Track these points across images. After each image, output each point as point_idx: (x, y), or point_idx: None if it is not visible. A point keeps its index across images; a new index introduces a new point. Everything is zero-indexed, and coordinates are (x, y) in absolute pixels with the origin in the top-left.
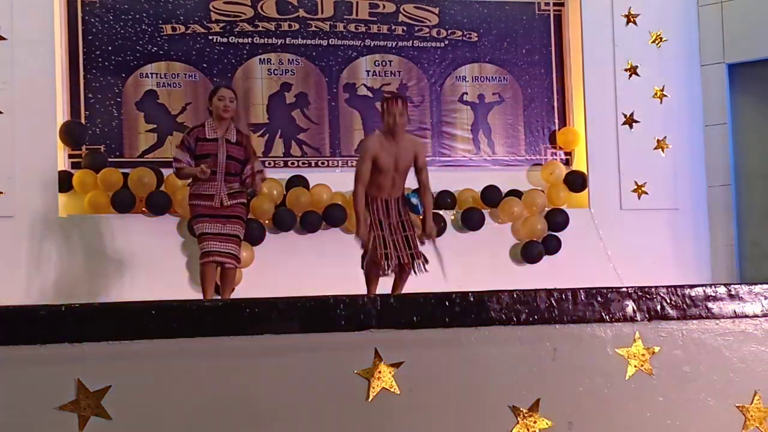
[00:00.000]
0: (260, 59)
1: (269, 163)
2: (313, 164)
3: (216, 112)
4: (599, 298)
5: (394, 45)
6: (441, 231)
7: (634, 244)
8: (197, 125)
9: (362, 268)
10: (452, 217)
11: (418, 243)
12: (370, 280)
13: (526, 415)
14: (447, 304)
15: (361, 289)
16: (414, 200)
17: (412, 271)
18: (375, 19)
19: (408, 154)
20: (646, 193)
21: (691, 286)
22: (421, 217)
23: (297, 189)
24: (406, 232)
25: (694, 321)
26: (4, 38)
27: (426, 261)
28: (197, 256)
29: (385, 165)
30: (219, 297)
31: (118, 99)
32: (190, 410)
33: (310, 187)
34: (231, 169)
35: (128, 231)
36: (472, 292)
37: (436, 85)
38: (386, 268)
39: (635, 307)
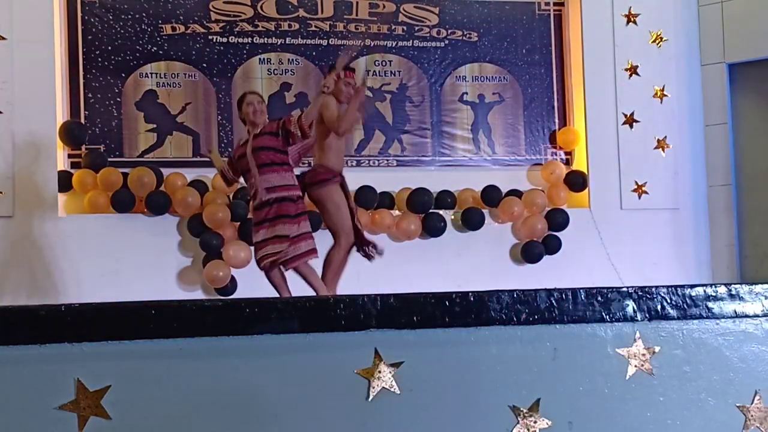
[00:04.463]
0: (260, 59)
1: None
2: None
3: (247, 119)
4: (599, 298)
5: (394, 45)
6: (441, 231)
7: (635, 244)
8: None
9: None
10: (452, 217)
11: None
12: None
13: (526, 414)
14: (447, 304)
15: (360, 288)
16: None
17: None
18: (375, 18)
19: None
20: (647, 192)
21: (692, 286)
22: None
23: None
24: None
25: (695, 321)
26: (4, 38)
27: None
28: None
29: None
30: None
31: (118, 99)
32: (190, 410)
33: None
34: (263, 159)
35: (128, 231)
36: (472, 292)
37: (436, 84)
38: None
39: (635, 307)
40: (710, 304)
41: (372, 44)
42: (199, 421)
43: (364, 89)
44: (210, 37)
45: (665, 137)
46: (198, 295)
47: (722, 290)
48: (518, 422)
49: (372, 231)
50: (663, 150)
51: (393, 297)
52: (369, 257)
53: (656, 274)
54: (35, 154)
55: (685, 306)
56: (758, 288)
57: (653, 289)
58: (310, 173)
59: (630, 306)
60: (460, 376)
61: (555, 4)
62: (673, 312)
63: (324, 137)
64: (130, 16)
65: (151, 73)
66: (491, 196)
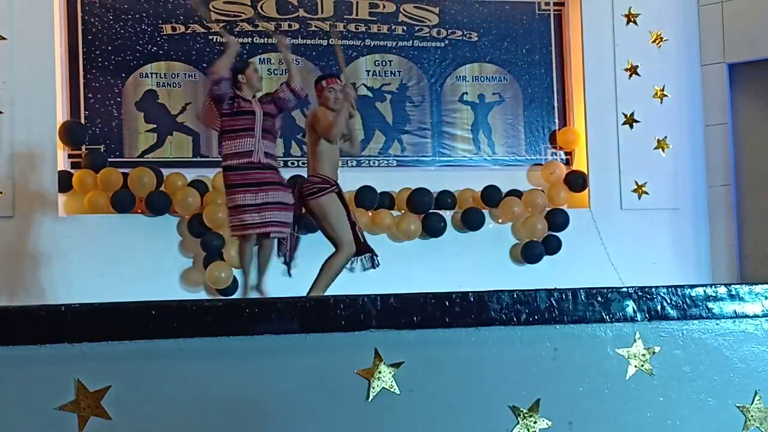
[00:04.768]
0: (260, 59)
1: None
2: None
3: (251, 83)
4: (599, 298)
5: (394, 45)
6: (441, 231)
7: (635, 244)
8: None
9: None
10: (452, 217)
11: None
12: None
13: (526, 415)
14: (447, 304)
15: (360, 288)
16: None
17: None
18: (375, 18)
19: None
20: (647, 193)
21: (692, 286)
22: None
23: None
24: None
25: (695, 321)
26: (4, 38)
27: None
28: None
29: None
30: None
31: (118, 99)
32: (190, 410)
33: None
34: (267, 125)
35: (128, 231)
36: (472, 292)
37: (436, 85)
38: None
39: (635, 307)
40: (710, 305)
41: (372, 44)
42: (199, 421)
43: (350, 92)
44: (210, 37)
45: (665, 137)
46: (201, 295)
47: (722, 290)
48: (518, 422)
49: (372, 231)
50: (663, 150)
51: (393, 297)
52: (371, 265)
53: (656, 274)
54: (35, 154)
55: (685, 306)
56: (758, 288)
57: (653, 289)
58: (306, 184)
59: (630, 306)
60: (460, 376)
61: (555, 4)
62: (673, 312)
63: (316, 145)
64: (130, 16)
65: (151, 73)
66: (491, 196)
